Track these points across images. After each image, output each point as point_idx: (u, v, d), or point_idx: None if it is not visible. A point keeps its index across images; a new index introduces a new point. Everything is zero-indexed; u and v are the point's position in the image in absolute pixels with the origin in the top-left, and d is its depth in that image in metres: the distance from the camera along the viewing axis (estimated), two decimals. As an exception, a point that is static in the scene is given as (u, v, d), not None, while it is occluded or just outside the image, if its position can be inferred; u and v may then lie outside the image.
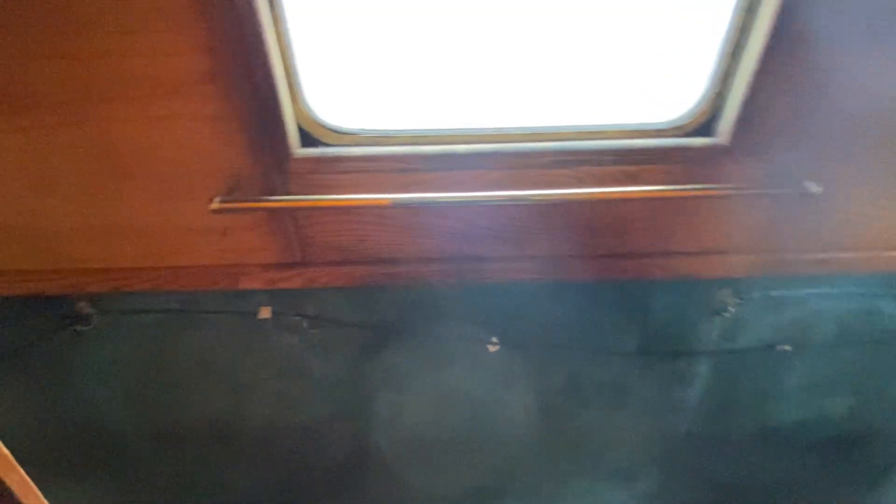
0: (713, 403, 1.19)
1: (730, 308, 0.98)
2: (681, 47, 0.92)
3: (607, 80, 0.91)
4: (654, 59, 0.93)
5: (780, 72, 0.67)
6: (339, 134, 0.77)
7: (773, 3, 0.61)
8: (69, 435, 1.29)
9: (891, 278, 0.97)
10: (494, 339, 1.07)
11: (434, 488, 1.35)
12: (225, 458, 1.35)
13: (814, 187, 0.73)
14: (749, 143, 0.75)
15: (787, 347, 1.05)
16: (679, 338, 1.06)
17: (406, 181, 0.76)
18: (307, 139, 0.76)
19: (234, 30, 0.62)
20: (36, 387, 1.20)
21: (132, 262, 0.86)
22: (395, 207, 0.78)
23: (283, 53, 0.69)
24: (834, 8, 0.62)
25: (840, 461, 1.35)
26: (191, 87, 0.66)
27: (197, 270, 0.87)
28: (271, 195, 0.75)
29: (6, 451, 0.52)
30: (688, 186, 0.73)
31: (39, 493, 0.57)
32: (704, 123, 0.78)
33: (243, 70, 0.65)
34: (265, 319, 1.06)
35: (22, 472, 0.54)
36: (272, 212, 0.75)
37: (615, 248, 0.85)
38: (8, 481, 0.48)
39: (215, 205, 0.70)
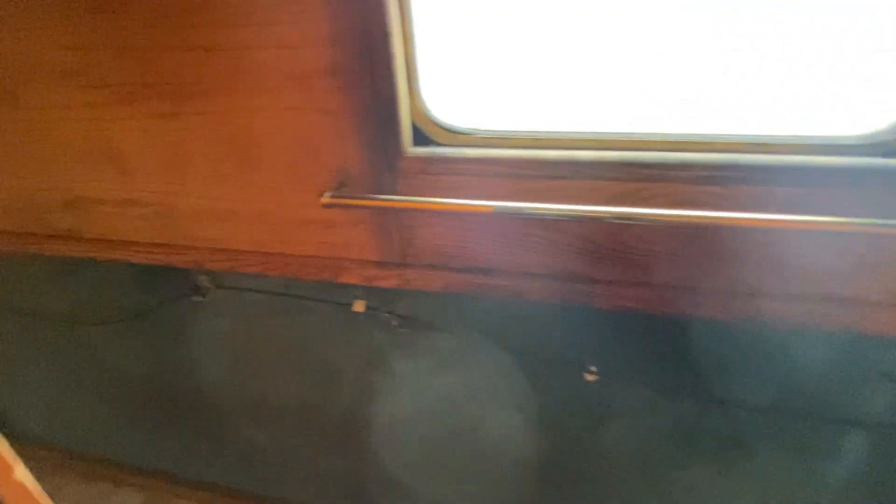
0: (863, 484, 0.96)
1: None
2: (871, 41, 0.72)
3: (772, 79, 0.75)
4: (836, 54, 0.74)
5: None
6: (452, 133, 0.72)
7: None
8: (173, 390, 1.43)
9: None
10: (593, 369, 0.96)
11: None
12: (302, 437, 1.40)
13: None
14: None
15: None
16: (832, 401, 0.86)
17: (518, 188, 0.69)
18: (419, 138, 0.72)
19: (360, 22, 0.59)
20: (155, 344, 1.34)
21: (247, 245, 0.90)
22: (498, 215, 0.71)
23: (405, 47, 0.66)
24: None
25: None
26: (313, 80, 0.66)
27: (302, 260, 0.88)
28: (379, 193, 0.72)
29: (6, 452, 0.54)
30: (888, 222, 0.57)
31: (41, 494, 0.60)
32: (915, 140, 0.60)
33: (365, 64, 0.63)
34: (358, 313, 1.06)
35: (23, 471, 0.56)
36: (377, 210, 0.73)
37: (765, 286, 0.70)
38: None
39: (326, 199, 0.69)
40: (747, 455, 0.96)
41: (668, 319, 0.82)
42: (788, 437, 0.93)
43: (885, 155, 0.62)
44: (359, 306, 1.06)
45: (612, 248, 0.71)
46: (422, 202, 0.66)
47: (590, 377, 0.97)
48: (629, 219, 0.61)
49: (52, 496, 1.76)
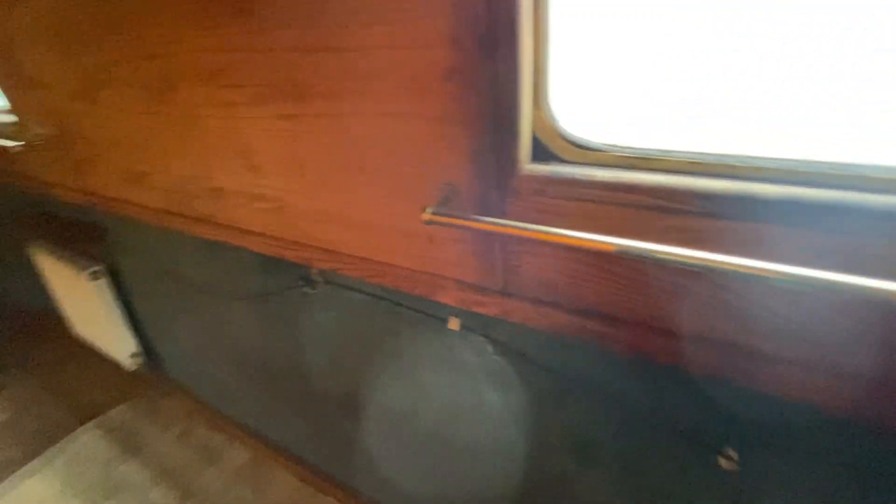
0: None
1: None
2: None
3: None
4: None
5: None
6: (582, 149, 0.60)
7: None
8: (282, 368, 1.53)
9: None
10: (732, 453, 0.75)
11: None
12: (384, 439, 1.39)
13: None
14: None
15: None
16: None
17: (662, 225, 0.54)
18: (540, 153, 0.62)
19: (485, 18, 0.51)
20: (271, 324, 1.44)
21: (350, 249, 0.89)
22: (621, 257, 0.57)
23: (536, 46, 0.55)
24: None
25: None
26: (426, 84, 0.59)
27: (400, 271, 0.84)
28: (486, 214, 0.63)
29: None
30: None
31: None
32: None
33: (485, 66, 0.54)
34: (453, 330, 1.00)
35: None
36: (482, 232, 0.64)
37: None
38: None
39: (426, 215, 0.63)
40: None
41: (853, 418, 0.59)
42: None
43: None
44: (454, 324, 0.99)
45: (811, 322, 0.52)
46: (534, 231, 0.55)
47: (725, 463, 0.76)
48: (843, 290, 0.42)
49: (179, 438, 2.03)
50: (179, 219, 1.17)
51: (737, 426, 0.71)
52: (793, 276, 0.43)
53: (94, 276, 1.89)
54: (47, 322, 2.64)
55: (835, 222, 0.45)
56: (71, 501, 1.80)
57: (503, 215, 0.63)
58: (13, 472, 1.92)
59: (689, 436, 0.76)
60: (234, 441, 2.01)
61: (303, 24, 0.65)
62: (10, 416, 2.23)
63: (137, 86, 0.94)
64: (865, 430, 0.58)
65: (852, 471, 0.63)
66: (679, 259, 0.48)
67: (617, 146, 0.59)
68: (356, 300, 1.17)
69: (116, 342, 2.09)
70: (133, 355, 2.13)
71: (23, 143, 1.33)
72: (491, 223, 0.58)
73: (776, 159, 0.50)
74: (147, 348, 2.17)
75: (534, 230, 0.55)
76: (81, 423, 2.16)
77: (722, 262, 0.47)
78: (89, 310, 2.05)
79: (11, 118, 1.38)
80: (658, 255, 0.47)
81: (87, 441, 2.07)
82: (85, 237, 1.81)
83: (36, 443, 2.07)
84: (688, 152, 0.55)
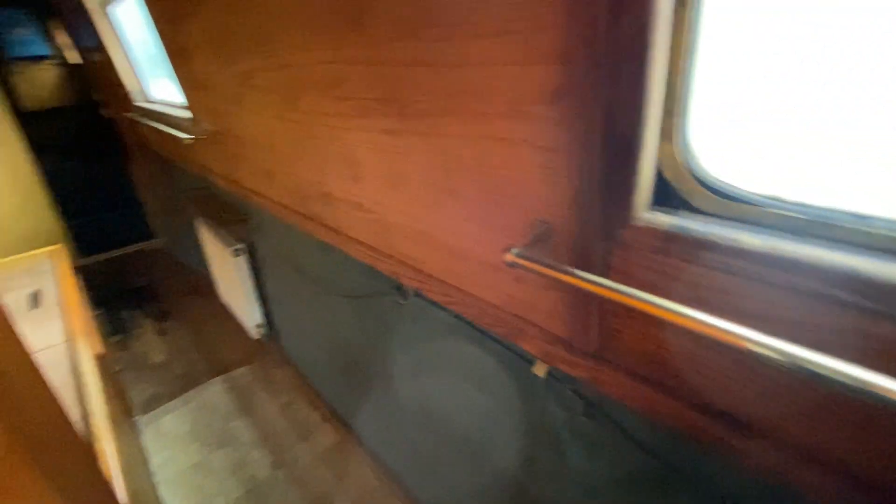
0: None
1: None
2: None
3: None
4: None
5: None
6: (726, 200, 0.45)
7: None
8: (372, 367, 1.56)
9: None
10: None
11: None
12: (455, 464, 1.32)
13: None
14: None
15: None
16: None
17: (856, 327, 0.37)
18: (665, 197, 0.48)
19: (610, 28, 0.40)
20: (366, 325, 1.47)
21: (435, 271, 0.84)
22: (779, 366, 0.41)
23: (674, 64, 0.43)
24: None
25: None
26: (530, 107, 0.50)
27: (483, 305, 0.76)
28: (584, 267, 0.52)
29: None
30: None
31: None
32: None
33: (602, 87, 0.43)
34: (538, 376, 0.89)
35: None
36: (577, 288, 0.53)
37: None
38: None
39: (510, 256, 0.54)
40: None
41: None
42: None
43: None
44: (540, 369, 0.88)
45: None
46: (647, 303, 0.43)
47: None
48: None
49: (283, 408, 2.21)
50: (297, 215, 1.25)
51: None
52: None
53: (236, 252, 2.18)
54: (204, 283, 3.14)
55: None
56: (193, 443, 2.09)
57: (606, 272, 0.51)
58: (159, 406, 2.31)
59: None
60: (326, 423, 2.14)
61: (407, 38, 0.61)
62: (165, 359, 2.70)
63: (272, 93, 1.02)
64: None
65: None
66: (885, 394, 0.31)
67: (781, 201, 0.43)
68: (443, 319, 1.13)
69: (246, 312, 2.38)
70: (258, 325, 2.41)
71: (193, 136, 1.56)
72: (588, 281, 0.47)
73: None
74: (269, 321, 2.43)
75: (646, 301, 0.43)
76: (213, 376, 2.51)
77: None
78: (230, 280, 2.37)
79: (188, 114, 1.64)
80: (849, 382, 0.32)
81: (215, 393, 2.39)
82: (234, 218, 2.09)
83: (179, 385, 2.46)
84: (875, 217, 0.37)
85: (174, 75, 1.52)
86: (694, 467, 0.66)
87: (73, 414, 1.42)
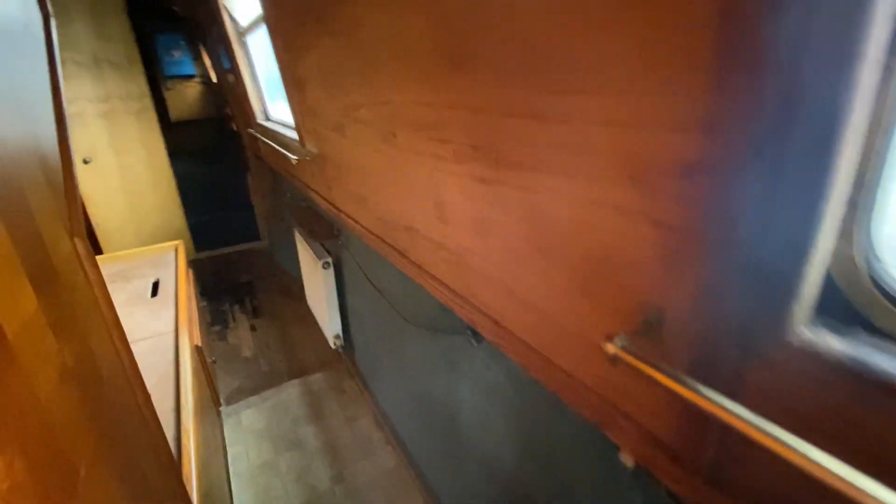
0: None
1: None
2: None
3: None
4: None
5: None
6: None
7: None
8: (442, 401, 1.50)
9: None
10: None
11: None
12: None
13: None
14: None
15: None
16: None
17: None
18: (835, 311, 0.37)
19: (783, 100, 0.31)
20: (433, 358, 1.43)
21: (516, 329, 0.77)
22: None
23: (866, 146, 0.32)
24: None
25: None
26: (654, 177, 0.42)
27: (568, 380, 0.67)
28: (706, 379, 0.42)
29: None
30: None
31: None
32: None
33: (764, 168, 0.34)
34: (626, 466, 0.77)
35: None
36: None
37: None
38: None
39: (611, 348, 0.45)
40: None
41: None
42: None
43: None
44: (628, 459, 0.76)
45: None
46: (790, 449, 0.32)
47: None
48: None
49: (349, 421, 2.23)
50: (382, 243, 1.26)
51: None
52: None
53: (325, 265, 2.28)
54: (295, 286, 3.36)
55: None
56: (265, 441, 2.20)
57: (737, 390, 0.40)
58: (241, 400, 2.48)
59: None
60: (388, 445, 2.12)
61: (511, 87, 0.56)
62: (253, 354, 2.90)
63: (371, 126, 1.03)
64: None
65: None
66: None
67: None
68: (517, 375, 1.04)
69: (327, 321, 2.48)
70: (336, 336, 2.50)
71: (298, 158, 1.66)
72: (713, 402, 0.37)
73: None
74: (346, 334, 2.51)
75: (793, 449, 0.32)
76: (291, 378, 2.65)
77: None
78: (317, 290, 2.49)
79: (296, 136, 1.76)
80: None
81: (291, 394, 2.51)
82: (326, 233, 2.20)
83: (262, 382, 2.63)
84: None
85: (288, 100, 1.64)
86: None
87: (169, 400, 1.55)
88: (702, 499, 0.50)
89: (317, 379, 2.62)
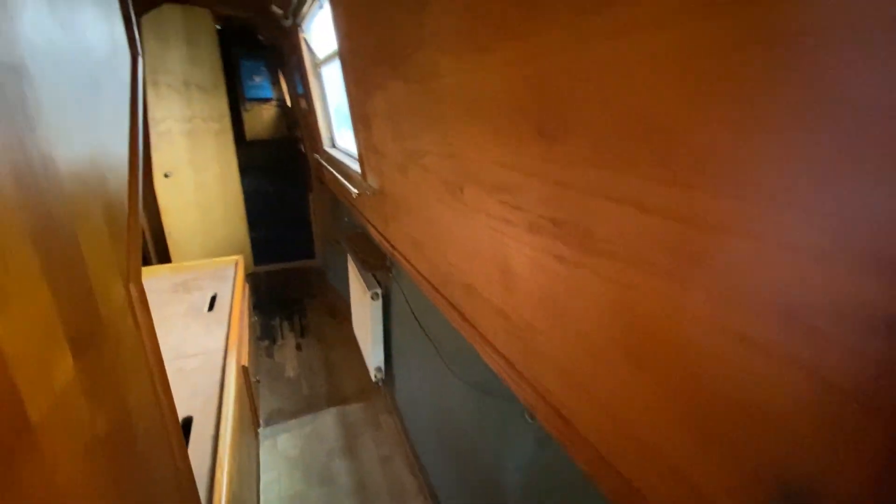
0: None
1: None
2: None
3: None
4: None
5: None
6: None
7: None
8: (474, 466, 1.38)
9: None
10: None
11: None
12: None
13: None
14: None
15: None
16: None
17: None
18: None
19: None
20: (479, 421, 1.32)
21: (584, 429, 0.66)
22: None
23: None
24: None
25: None
26: (825, 321, 0.31)
27: (637, 492, 0.55)
28: None
29: None
30: None
31: None
32: None
33: None
34: None
35: None
36: None
37: None
38: None
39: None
40: None
41: None
42: None
43: None
44: None
45: None
46: None
47: None
48: None
49: (383, 462, 2.15)
50: (435, 293, 1.19)
51: None
52: None
53: (374, 296, 2.25)
54: (343, 308, 3.37)
55: None
56: (298, 471, 2.15)
57: None
58: (280, 422, 2.47)
59: None
60: (420, 494, 2.01)
61: (613, 168, 0.47)
62: (295, 375, 2.91)
63: (436, 175, 0.98)
64: None
65: None
66: None
67: None
68: (578, 471, 0.91)
69: (370, 352, 2.43)
70: (377, 369, 2.44)
71: (358, 191, 1.65)
72: None
73: None
74: (388, 369, 2.45)
75: None
76: (330, 404, 2.61)
77: None
78: (363, 319, 2.46)
79: (358, 168, 1.75)
80: None
81: (327, 423, 2.47)
82: (378, 265, 2.17)
83: (301, 405, 2.62)
84: None
85: (354, 133, 1.64)
86: None
87: (210, 427, 1.55)
88: None
89: (354, 409, 2.57)
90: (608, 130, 0.48)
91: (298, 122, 3.81)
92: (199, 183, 3.34)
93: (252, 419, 2.15)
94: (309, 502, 1.99)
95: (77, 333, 0.50)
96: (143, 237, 3.33)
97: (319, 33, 2.46)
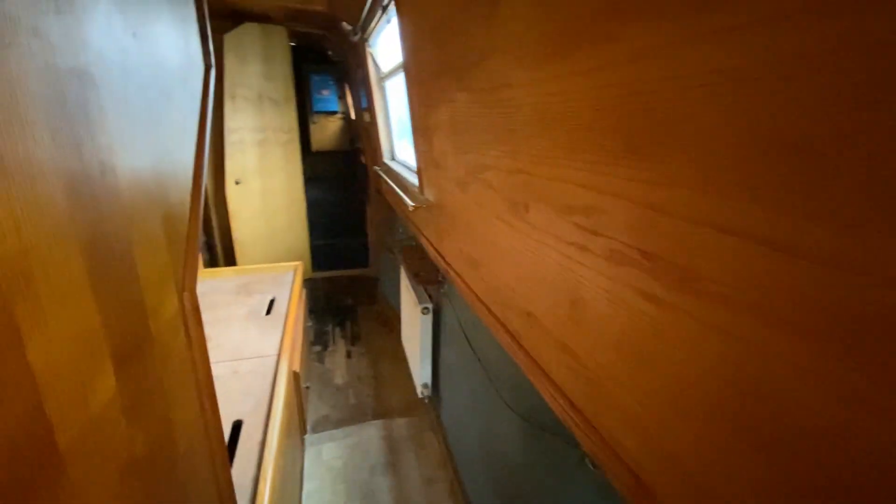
0: None
1: None
2: None
3: None
4: None
5: None
6: None
7: None
8: (518, 496, 1.28)
9: None
10: None
11: None
12: None
13: None
14: None
15: None
16: None
17: None
18: None
19: None
20: (526, 455, 1.21)
21: (658, 487, 0.55)
22: None
23: None
24: None
25: None
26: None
27: None
28: None
29: None
30: None
31: None
32: None
33: None
34: None
35: None
36: None
37: None
38: None
39: None
40: None
41: None
42: None
43: None
44: None
45: None
46: None
47: None
48: None
49: (425, 483, 2.07)
50: (490, 317, 1.11)
51: None
52: None
53: (425, 311, 2.20)
54: (394, 318, 3.37)
55: None
56: (340, 483, 2.13)
57: None
58: (325, 430, 2.47)
59: None
60: (461, 523, 1.91)
61: (729, 194, 0.38)
62: (344, 382, 2.93)
63: (498, 192, 0.91)
64: None
65: None
66: None
67: None
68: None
69: (418, 368, 2.38)
70: (424, 385, 2.39)
71: (415, 205, 1.62)
72: None
73: None
74: (435, 386, 2.38)
75: None
76: (376, 417, 2.59)
77: None
78: (412, 332, 2.42)
79: (416, 181, 1.72)
80: None
81: (372, 436, 2.44)
82: (431, 279, 2.13)
83: (347, 415, 2.61)
84: None
85: (413, 146, 1.62)
86: None
87: (258, 433, 1.55)
88: None
89: (399, 425, 2.52)
90: (720, 147, 0.39)
91: (360, 134, 3.91)
92: (266, 190, 3.50)
93: (299, 425, 2.16)
94: (349, 517, 1.96)
95: (121, 348, 0.48)
96: (213, 240, 3.53)
97: (385, 47, 2.50)
